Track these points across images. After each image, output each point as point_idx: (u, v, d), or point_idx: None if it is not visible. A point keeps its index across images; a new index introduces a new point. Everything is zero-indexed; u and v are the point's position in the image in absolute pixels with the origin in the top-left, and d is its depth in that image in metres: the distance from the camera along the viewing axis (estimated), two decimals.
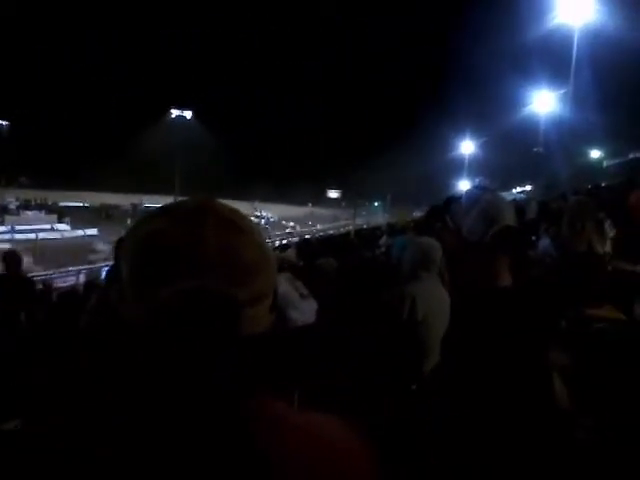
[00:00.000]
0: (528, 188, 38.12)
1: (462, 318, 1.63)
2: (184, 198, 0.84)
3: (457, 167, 61.29)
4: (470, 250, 1.67)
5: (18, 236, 43.70)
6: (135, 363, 0.74)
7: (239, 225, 0.77)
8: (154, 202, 69.64)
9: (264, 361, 0.77)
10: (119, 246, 0.64)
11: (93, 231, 50.35)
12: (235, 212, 0.79)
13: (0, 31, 70.95)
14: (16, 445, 0.74)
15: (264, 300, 0.76)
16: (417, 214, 42.44)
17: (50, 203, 63.75)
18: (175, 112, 76.95)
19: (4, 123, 70.80)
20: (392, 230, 12.18)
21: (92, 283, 9.77)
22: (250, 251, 0.75)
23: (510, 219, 1.69)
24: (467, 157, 59.53)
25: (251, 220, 0.81)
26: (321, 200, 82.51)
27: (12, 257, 6.60)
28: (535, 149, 37.56)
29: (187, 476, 0.71)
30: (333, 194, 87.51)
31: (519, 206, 9.67)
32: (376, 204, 72.99)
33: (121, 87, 78.50)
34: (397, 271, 3.63)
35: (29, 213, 54.42)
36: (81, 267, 27.22)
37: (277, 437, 0.76)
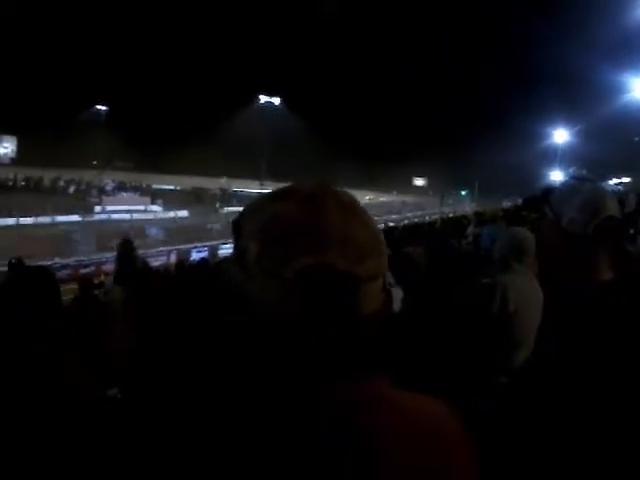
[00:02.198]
0: (625, 180, 36.31)
1: (560, 312, 1.58)
2: (290, 183, 0.87)
3: (548, 157, 58.97)
4: (570, 241, 1.63)
5: (114, 216, 45.86)
6: (254, 338, 0.78)
7: (354, 208, 0.82)
8: (242, 186, 71.24)
9: (375, 340, 0.79)
10: (237, 227, 0.68)
11: (184, 213, 52.06)
12: (350, 196, 0.84)
13: (100, 21, 74.09)
14: (120, 411, 0.80)
15: (378, 279, 0.80)
16: (506, 204, 41.24)
17: (144, 185, 66.34)
18: (264, 98, 78.14)
19: (104, 108, 74.15)
20: (480, 219, 11.91)
21: (183, 263, 10.18)
22: (365, 232, 0.80)
23: (614, 210, 1.63)
24: (560, 146, 57.11)
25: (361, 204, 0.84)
26: (407, 188, 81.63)
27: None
28: (637, 138, 35.58)
29: (288, 450, 0.74)
30: (419, 182, 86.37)
31: (618, 198, 9.22)
32: (463, 193, 71.46)
33: (212, 74, 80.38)
34: (487, 261, 3.57)
35: (124, 194, 56.88)
36: (171, 247, 28.20)
37: (378, 415, 0.78)
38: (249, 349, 0.79)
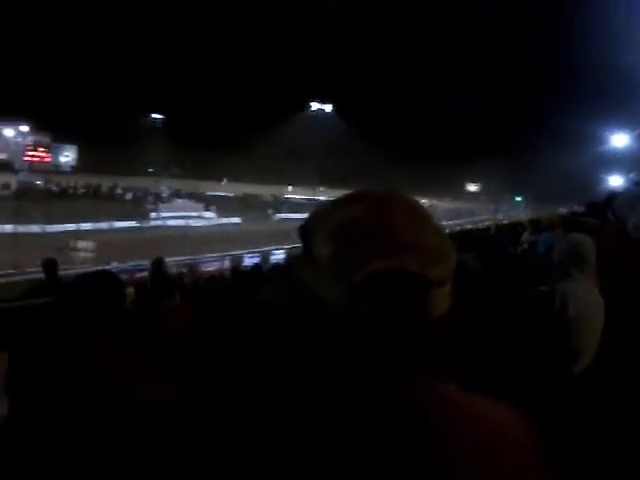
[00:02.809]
0: None
1: (624, 318, 1.55)
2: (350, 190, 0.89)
3: (606, 161, 57.10)
4: (634, 247, 1.60)
5: (169, 222, 46.85)
6: (323, 340, 0.79)
7: (422, 212, 0.83)
8: (294, 193, 71.79)
9: (442, 345, 0.80)
10: (305, 232, 0.70)
11: (236, 219, 52.77)
12: (416, 201, 0.85)
13: (155, 33, 75.90)
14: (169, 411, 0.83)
15: (447, 284, 0.81)
16: (563, 210, 40.21)
17: (198, 192, 67.56)
18: (315, 105, 78.59)
19: (160, 117, 75.87)
20: (536, 226, 11.65)
21: (238, 268, 10.33)
22: (435, 236, 0.81)
23: None
24: (619, 150, 55.17)
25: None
26: (460, 193, 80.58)
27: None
28: None
29: (360, 450, 0.75)
30: (472, 187, 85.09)
31: None
32: (517, 199, 70.10)
33: (265, 82, 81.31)
34: (544, 269, 3.49)
35: (179, 201, 58.04)
36: (226, 253, 28.58)
37: (447, 417, 0.78)
38: (317, 351, 0.80)
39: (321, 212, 0.85)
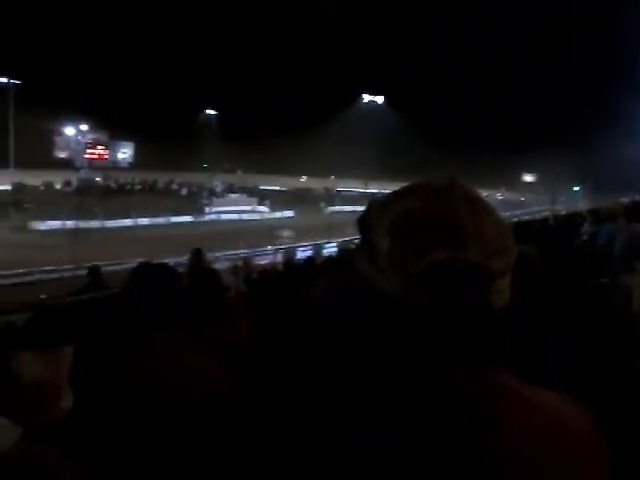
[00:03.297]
0: None
1: None
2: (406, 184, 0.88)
3: None
4: None
5: (224, 216, 47.59)
6: (375, 331, 0.79)
7: (483, 203, 0.82)
8: (346, 186, 71.75)
9: (502, 336, 0.79)
10: (364, 223, 0.69)
11: (289, 213, 53.17)
12: (477, 192, 0.84)
13: (207, 30, 77.00)
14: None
15: (507, 275, 0.80)
16: (624, 200, 38.93)
17: (251, 187, 68.36)
18: (367, 97, 78.19)
19: (214, 113, 77.00)
20: (596, 217, 11.31)
21: (290, 261, 10.40)
22: (496, 227, 0.80)
23: None
24: None
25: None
26: (515, 184, 78.92)
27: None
28: None
29: (415, 441, 0.74)
30: (529, 178, 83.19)
31: None
32: (575, 189, 68.18)
33: (316, 75, 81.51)
34: (606, 261, 3.39)
35: (233, 196, 58.83)
36: (278, 246, 28.83)
37: (506, 409, 0.77)
38: (372, 343, 0.80)
39: (381, 203, 0.84)
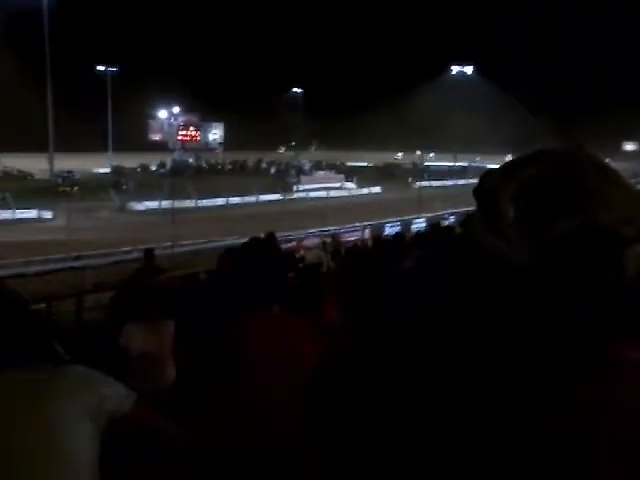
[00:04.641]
0: None
1: None
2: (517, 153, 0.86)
3: None
4: None
5: (312, 194, 47.96)
6: (511, 305, 0.77)
7: (611, 170, 0.80)
8: (435, 160, 70.51)
9: (633, 308, 0.75)
10: (484, 193, 0.68)
11: (377, 189, 52.86)
12: (602, 159, 0.81)
13: (291, 9, 77.04)
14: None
15: (637, 243, 0.76)
16: None
17: (338, 164, 68.39)
18: (455, 68, 76.03)
19: (299, 91, 77.36)
20: None
21: (379, 237, 10.40)
22: (624, 193, 0.77)
23: None
24: None
25: None
26: (616, 153, 74.77)
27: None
28: None
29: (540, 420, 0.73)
30: (630, 146, 78.56)
31: None
32: None
33: (402, 47, 80.00)
34: None
35: (321, 173, 59.05)
36: (366, 223, 28.75)
37: (635, 384, 0.74)
38: (497, 314, 0.78)
39: (504, 171, 0.82)
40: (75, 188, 43.14)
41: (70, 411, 1.45)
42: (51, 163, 50.50)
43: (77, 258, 20.33)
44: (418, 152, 69.31)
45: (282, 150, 75.11)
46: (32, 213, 33.20)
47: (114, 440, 1.52)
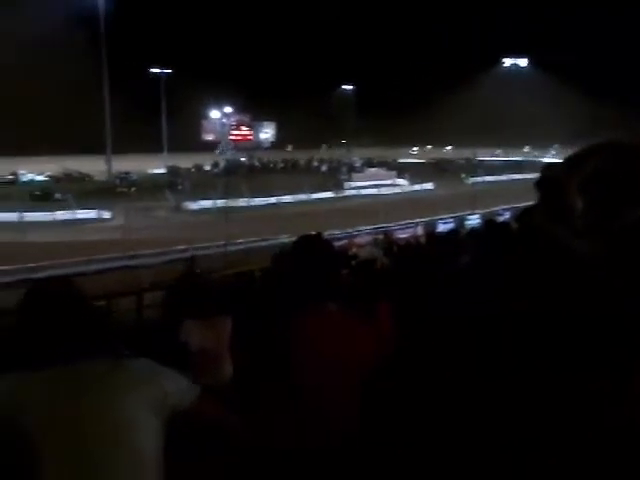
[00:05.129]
0: None
1: None
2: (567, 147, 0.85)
3: None
4: None
5: (363, 191, 47.87)
6: (580, 296, 0.77)
7: None
8: (485, 155, 69.36)
9: None
10: (549, 186, 0.68)
11: (429, 185, 52.33)
12: None
13: (341, 7, 77.00)
14: None
15: None
16: None
17: (390, 160, 68.05)
18: (508, 61, 74.33)
19: (350, 87, 77.24)
20: None
21: (433, 233, 10.32)
22: None
23: None
24: None
25: None
26: None
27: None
28: None
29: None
30: None
31: None
32: None
33: (455, 42, 78.96)
34: None
35: (372, 170, 58.86)
36: (419, 219, 28.55)
37: None
38: (552, 308, 0.77)
39: (567, 165, 0.82)
40: (132, 189, 44.24)
41: (134, 403, 1.49)
42: (109, 165, 51.90)
43: (133, 257, 20.88)
44: (472, 148, 68.34)
45: (326, 148, 75.05)
46: (92, 213, 34.20)
47: (177, 432, 1.55)
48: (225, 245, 21.95)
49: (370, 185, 50.21)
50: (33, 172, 51.97)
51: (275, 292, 2.47)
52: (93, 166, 51.86)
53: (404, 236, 22.30)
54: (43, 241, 25.24)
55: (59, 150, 59.27)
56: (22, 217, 31.08)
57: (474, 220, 27.02)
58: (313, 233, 2.16)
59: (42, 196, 39.19)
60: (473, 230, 7.49)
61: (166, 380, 1.59)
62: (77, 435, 1.42)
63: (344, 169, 59.37)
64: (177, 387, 1.61)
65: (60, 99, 59.07)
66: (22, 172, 51.04)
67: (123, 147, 54.77)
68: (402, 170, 58.74)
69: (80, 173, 52.91)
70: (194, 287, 3.64)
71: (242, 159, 65.66)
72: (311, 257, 2.04)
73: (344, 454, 1.89)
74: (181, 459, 1.70)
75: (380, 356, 1.95)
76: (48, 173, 52.55)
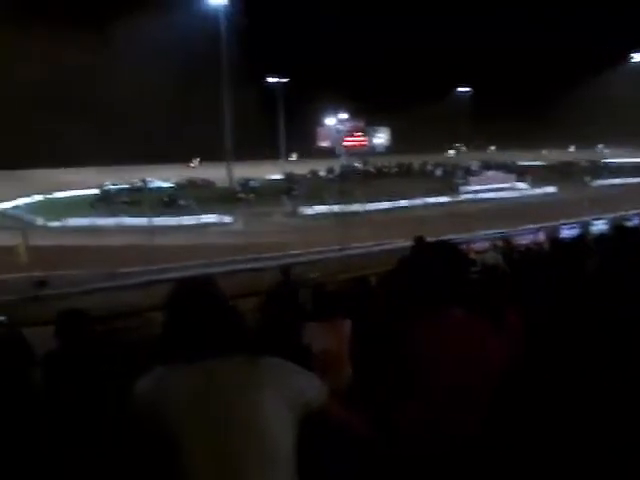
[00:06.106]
0: None
1: None
2: None
3: None
4: None
5: (481, 195, 46.70)
6: None
7: None
8: (611, 156, 65.39)
9: None
10: None
11: (551, 189, 50.14)
12: None
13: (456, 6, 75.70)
14: None
15: None
16: None
17: (509, 163, 65.86)
18: (637, 56, 69.58)
19: (466, 90, 75.45)
20: None
21: (556, 239, 9.88)
22: None
23: None
24: None
25: None
26: None
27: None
28: None
29: None
30: None
31: None
32: None
33: (577, 38, 75.28)
34: None
35: (490, 173, 57.26)
36: (541, 225, 27.46)
37: None
38: None
39: None
40: (251, 195, 45.74)
41: (272, 399, 1.54)
42: (229, 172, 53.90)
43: (254, 260, 21.57)
44: (597, 148, 64.69)
45: (448, 151, 73.95)
46: (213, 218, 35.75)
47: (308, 430, 1.60)
48: (340, 250, 22.17)
49: (488, 189, 48.85)
50: (160, 179, 55.21)
51: (397, 296, 2.48)
52: (215, 173, 54.16)
53: (524, 242, 21.52)
54: (170, 244, 26.74)
55: (182, 158, 62.59)
56: (151, 222, 33.07)
57: (600, 225, 25.61)
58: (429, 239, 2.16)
59: (168, 202, 41.58)
60: (602, 235, 7.13)
61: (300, 378, 1.65)
62: (217, 428, 1.49)
63: (460, 173, 58.15)
64: (310, 386, 1.66)
65: (183, 109, 62.18)
66: (150, 179, 54.29)
67: (243, 154, 56.76)
68: (522, 173, 56.65)
69: (203, 180, 55.47)
70: (318, 290, 3.72)
71: (356, 164, 66.07)
72: (439, 261, 2.04)
73: (468, 458, 1.87)
74: (313, 457, 1.75)
75: (510, 361, 1.92)
76: (174, 180, 55.62)
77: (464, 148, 73.77)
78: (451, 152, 73.02)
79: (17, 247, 17.60)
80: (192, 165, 69.76)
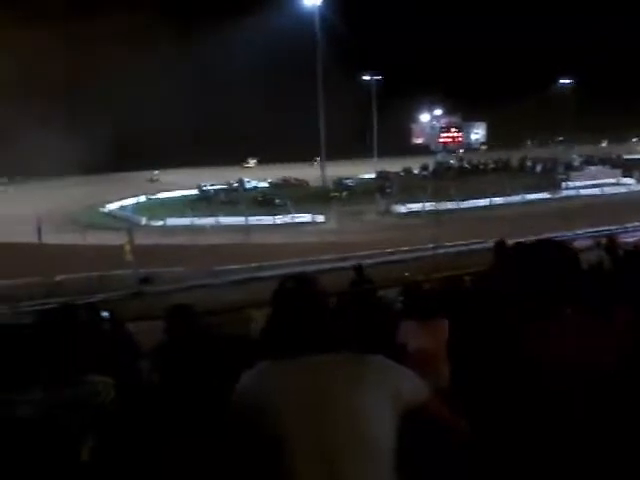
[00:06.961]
0: None
1: None
2: None
3: None
4: None
5: (583, 191, 44.62)
6: None
7: None
8: None
9: None
10: None
11: None
12: None
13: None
14: None
15: None
16: None
17: (615, 157, 62.63)
18: None
19: (568, 82, 72.43)
20: None
21: None
22: None
23: None
24: None
25: None
26: None
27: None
28: None
29: None
30: None
31: None
32: None
33: None
34: None
35: (593, 168, 54.68)
36: None
37: None
38: None
39: None
40: (344, 193, 45.92)
41: (374, 395, 1.54)
42: (323, 171, 54.41)
43: (345, 259, 21.60)
44: None
45: (531, 145, 71.26)
46: (307, 217, 36.20)
47: (407, 428, 1.58)
48: (434, 248, 21.82)
49: (591, 185, 46.59)
50: (256, 179, 56.62)
51: (499, 296, 2.40)
52: (310, 172, 54.85)
53: (631, 240, 20.39)
54: (265, 242, 27.32)
55: (277, 158, 63.83)
56: (247, 220, 33.94)
57: None
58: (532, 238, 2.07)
59: (263, 201, 42.54)
60: None
61: (402, 376, 1.64)
62: (320, 422, 1.50)
63: (561, 168, 55.81)
64: (412, 384, 1.65)
65: (277, 111, 63.37)
66: (247, 179, 55.84)
67: (337, 153, 57.11)
68: (629, 168, 53.67)
69: (297, 179, 56.30)
70: (413, 289, 3.69)
71: (451, 161, 64.94)
72: (548, 260, 1.96)
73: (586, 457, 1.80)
74: (413, 455, 1.73)
75: (620, 361, 1.83)
76: (269, 180, 56.85)
77: (571, 143, 70.59)
78: (546, 146, 70.13)
79: (124, 246, 18.55)
80: (248, 165, 71.55)
